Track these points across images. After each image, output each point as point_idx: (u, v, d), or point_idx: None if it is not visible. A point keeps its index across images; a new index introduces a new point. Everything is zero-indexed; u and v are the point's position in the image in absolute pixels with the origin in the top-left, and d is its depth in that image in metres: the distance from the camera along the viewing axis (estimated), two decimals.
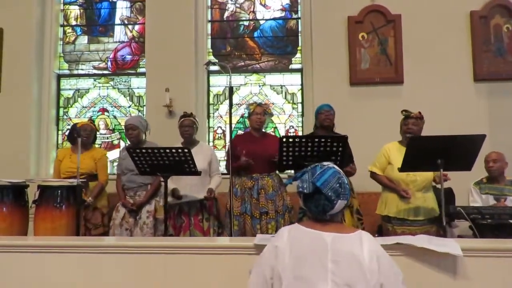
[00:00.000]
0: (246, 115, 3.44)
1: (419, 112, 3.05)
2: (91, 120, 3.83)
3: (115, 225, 3.32)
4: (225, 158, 3.42)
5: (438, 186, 3.14)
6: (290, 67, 4.73)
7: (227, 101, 3.82)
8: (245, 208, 3.11)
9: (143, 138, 3.53)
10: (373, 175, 3.12)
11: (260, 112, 3.26)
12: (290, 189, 2.88)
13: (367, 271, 1.30)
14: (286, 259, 1.34)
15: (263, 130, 3.45)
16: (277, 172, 3.27)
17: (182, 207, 3.29)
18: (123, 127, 4.64)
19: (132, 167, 3.28)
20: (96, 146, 4.64)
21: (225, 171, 3.39)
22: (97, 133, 4.69)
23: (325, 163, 1.48)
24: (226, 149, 3.51)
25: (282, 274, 1.33)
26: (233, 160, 3.13)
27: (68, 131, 3.83)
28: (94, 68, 4.88)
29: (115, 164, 4.65)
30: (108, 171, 3.71)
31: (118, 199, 3.46)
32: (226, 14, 4.86)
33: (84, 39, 4.94)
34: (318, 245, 1.35)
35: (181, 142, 3.41)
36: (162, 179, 2.93)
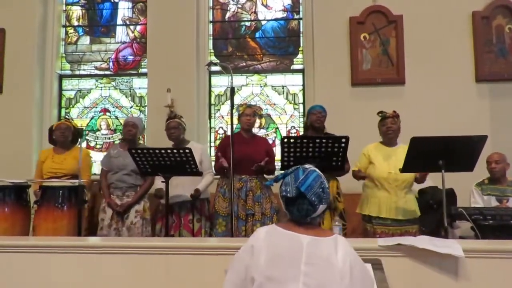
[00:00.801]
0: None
1: (394, 111, 3.06)
2: (66, 118, 3.76)
3: (104, 226, 3.27)
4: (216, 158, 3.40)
5: (421, 185, 3.14)
6: (291, 67, 4.73)
7: (229, 102, 3.82)
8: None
9: (138, 139, 3.54)
10: (353, 173, 3.11)
11: (249, 114, 3.26)
12: (276, 191, 2.88)
13: (339, 275, 1.31)
14: (261, 259, 1.35)
15: (263, 130, 3.45)
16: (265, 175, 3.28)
17: (173, 207, 3.26)
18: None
19: (124, 167, 3.28)
20: (97, 145, 4.70)
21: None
22: (100, 133, 4.78)
23: (307, 165, 1.48)
24: (216, 150, 3.50)
25: (254, 274, 1.33)
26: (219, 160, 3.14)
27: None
28: (96, 68, 4.89)
29: None
30: (93, 171, 3.66)
31: (101, 199, 3.39)
32: (228, 14, 4.86)
33: (86, 40, 4.95)
34: (294, 246, 1.35)
35: (171, 145, 3.37)
36: (163, 180, 2.92)
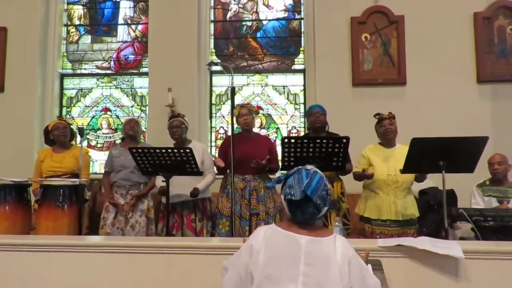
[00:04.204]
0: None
1: (390, 112, 3.05)
2: (61, 117, 3.76)
3: (107, 225, 3.29)
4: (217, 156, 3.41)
5: (421, 186, 3.13)
6: (292, 67, 4.73)
7: (230, 102, 3.82)
8: (235, 209, 3.10)
9: (137, 138, 3.57)
10: (354, 174, 3.08)
11: (245, 113, 3.25)
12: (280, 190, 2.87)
13: (338, 274, 1.31)
14: (260, 258, 1.35)
15: (265, 130, 3.44)
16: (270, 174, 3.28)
17: (175, 206, 3.26)
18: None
19: (128, 165, 3.29)
20: (98, 144, 4.70)
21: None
22: (101, 132, 4.79)
23: (308, 166, 1.47)
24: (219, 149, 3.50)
25: (254, 273, 1.34)
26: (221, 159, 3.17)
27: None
28: (97, 67, 4.89)
29: None
30: (93, 170, 3.70)
31: (101, 198, 3.44)
32: (229, 14, 4.86)
33: (87, 39, 4.95)
34: (292, 247, 1.35)
35: (173, 144, 3.37)
36: (163, 179, 2.92)
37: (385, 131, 3.00)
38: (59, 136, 3.41)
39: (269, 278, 1.32)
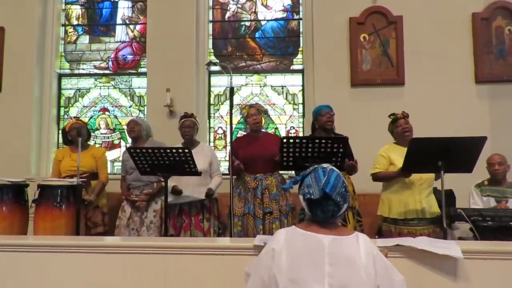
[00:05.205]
0: (242, 119, 3.41)
1: (404, 111, 3.06)
2: (77, 117, 3.79)
3: (122, 225, 3.34)
4: (226, 159, 3.40)
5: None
6: (291, 67, 4.73)
7: (228, 102, 3.82)
8: (248, 209, 3.10)
9: (143, 137, 3.57)
10: (375, 176, 3.04)
11: (254, 113, 3.24)
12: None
13: (364, 273, 1.30)
14: (282, 261, 1.33)
15: (263, 129, 3.44)
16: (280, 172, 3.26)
17: (183, 207, 3.29)
18: (124, 126, 4.65)
19: None
20: (96, 144, 4.69)
21: (226, 172, 3.38)
22: (99, 132, 4.78)
23: (324, 165, 1.46)
24: (228, 152, 3.49)
25: (277, 277, 1.32)
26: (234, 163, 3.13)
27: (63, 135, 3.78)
28: (95, 67, 4.88)
29: (116, 164, 4.66)
30: (108, 170, 3.73)
31: (118, 199, 3.49)
32: (228, 14, 4.86)
33: (85, 39, 4.94)
34: (315, 247, 1.34)
35: (181, 143, 3.40)
36: (162, 179, 2.92)
37: (403, 131, 2.98)
38: (77, 136, 3.44)
39: (294, 281, 1.30)
